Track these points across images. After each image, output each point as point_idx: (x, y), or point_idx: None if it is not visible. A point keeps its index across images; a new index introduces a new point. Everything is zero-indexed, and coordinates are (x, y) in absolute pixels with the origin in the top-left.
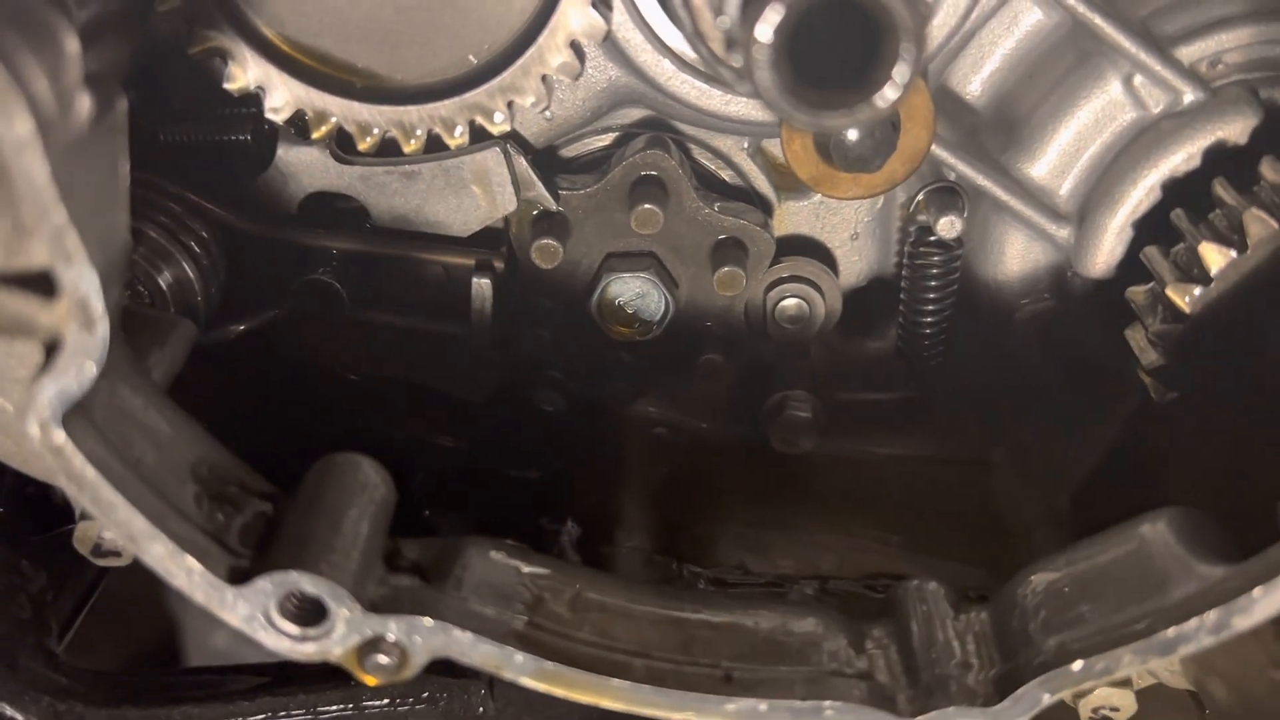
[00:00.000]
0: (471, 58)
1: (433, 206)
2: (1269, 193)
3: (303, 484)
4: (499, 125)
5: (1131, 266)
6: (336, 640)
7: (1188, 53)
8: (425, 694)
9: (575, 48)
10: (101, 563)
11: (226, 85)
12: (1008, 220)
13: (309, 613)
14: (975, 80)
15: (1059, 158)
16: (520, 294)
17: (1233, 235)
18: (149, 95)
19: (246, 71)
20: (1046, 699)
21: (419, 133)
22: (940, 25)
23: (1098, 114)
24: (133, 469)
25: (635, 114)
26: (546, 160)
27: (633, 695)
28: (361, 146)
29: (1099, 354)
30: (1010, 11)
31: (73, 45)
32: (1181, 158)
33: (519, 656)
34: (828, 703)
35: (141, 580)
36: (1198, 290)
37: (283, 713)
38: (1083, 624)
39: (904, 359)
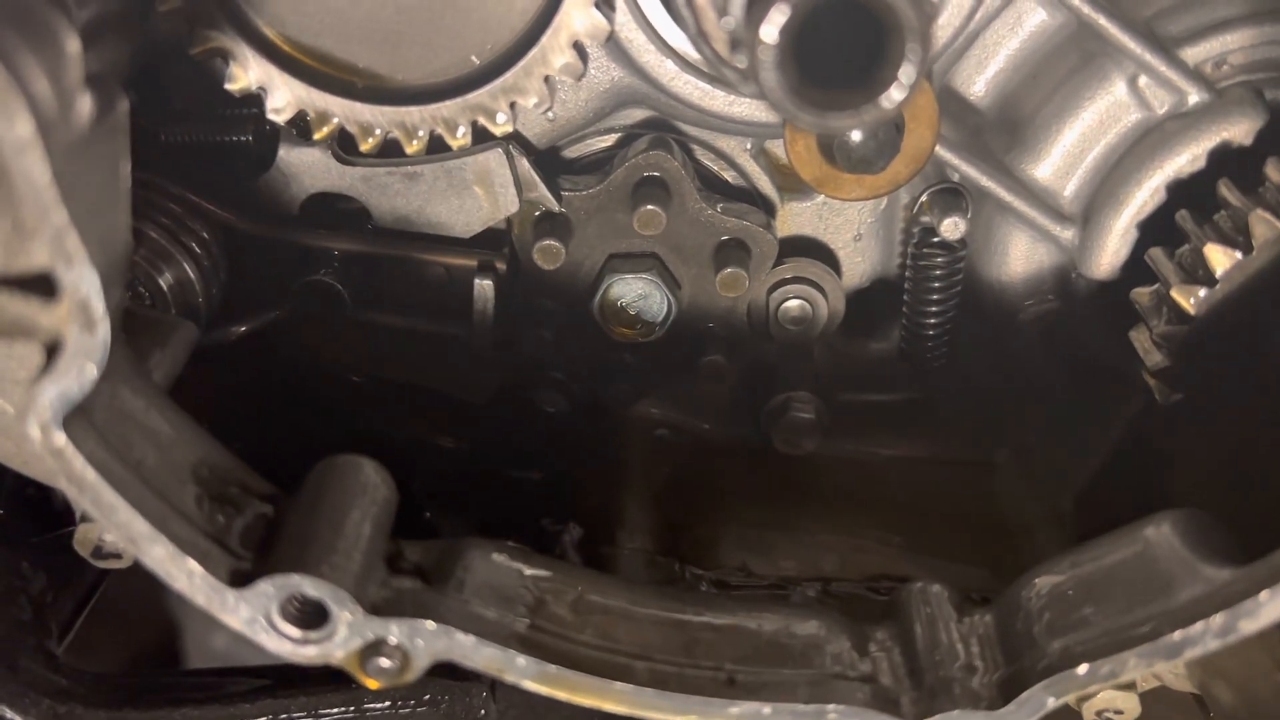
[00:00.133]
0: (474, 58)
1: (435, 207)
2: (1274, 194)
3: (304, 485)
4: (501, 126)
5: (1136, 268)
6: (338, 643)
7: (1192, 54)
8: (427, 697)
9: (578, 48)
10: (102, 565)
11: (228, 86)
12: (1011, 221)
13: (310, 615)
14: (979, 81)
15: (1063, 159)
16: (522, 295)
17: (1238, 236)
18: (150, 95)
19: (248, 72)
20: (1051, 702)
21: (421, 133)
22: (945, 25)
23: (1102, 115)
24: (133, 471)
25: (638, 115)
26: (549, 161)
27: (635, 698)
28: (363, 147)
29: (1103, 355)
30: (1014, 12)
31: (73, 45)
32: (1186, 159)
33: (521, 659)
34: (831, 706)
35: (142, 582)
36: (1203, 292)
37: (284, 715)
38: (1087, 627)
39: (907, 360)
